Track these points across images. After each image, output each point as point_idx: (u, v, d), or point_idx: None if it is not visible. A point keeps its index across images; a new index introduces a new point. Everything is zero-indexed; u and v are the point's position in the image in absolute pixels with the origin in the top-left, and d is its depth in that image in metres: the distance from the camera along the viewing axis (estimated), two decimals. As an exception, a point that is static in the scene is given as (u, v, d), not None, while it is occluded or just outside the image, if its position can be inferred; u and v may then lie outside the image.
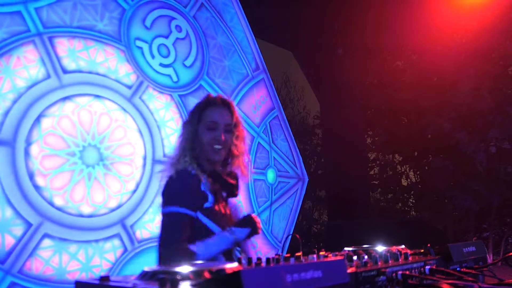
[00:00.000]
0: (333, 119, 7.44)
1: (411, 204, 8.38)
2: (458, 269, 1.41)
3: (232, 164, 2.03)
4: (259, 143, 4.25)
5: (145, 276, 0.95)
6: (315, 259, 1.21)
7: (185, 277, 0.86)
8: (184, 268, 0.93)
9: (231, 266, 0.97)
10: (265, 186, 4.25)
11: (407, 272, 1.11)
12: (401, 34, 6.35)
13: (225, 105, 1.97)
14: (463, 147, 5.77)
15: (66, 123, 2.78)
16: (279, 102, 4.64)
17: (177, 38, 3.57)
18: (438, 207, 6.72)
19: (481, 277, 1.48)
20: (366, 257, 1.17)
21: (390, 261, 1.18)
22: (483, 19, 5.97)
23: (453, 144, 5.97)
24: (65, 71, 2.84)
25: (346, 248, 1.54)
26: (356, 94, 7.47)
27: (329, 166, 8.26)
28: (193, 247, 1.72)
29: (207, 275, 0.90)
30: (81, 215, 2.76)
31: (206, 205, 1.84)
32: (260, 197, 4.15)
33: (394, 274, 1.09)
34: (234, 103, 2.04)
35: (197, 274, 0.90)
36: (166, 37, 3.49)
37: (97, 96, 2.96)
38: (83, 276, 2.67)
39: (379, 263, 1.13)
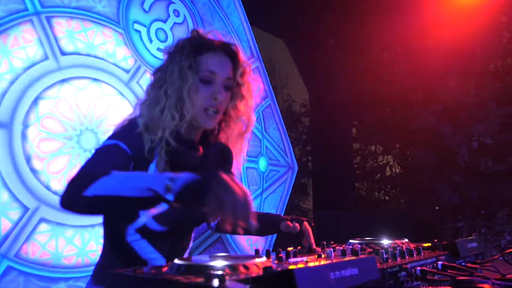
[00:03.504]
0: (321, 108, 7.50)
1: (392, 194, 8.58)
2: (463, 263, 1.47)
3: (221, 134, 1.56)
4: (252, 131, 4.26)
5: (178, 269, 0.95)
6: (332, 254, 1.25)
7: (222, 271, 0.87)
8: (218, 262, 0.95)
9: (260, 260, 0.99)
10: (256, 174, 4.28)
11: (425, 268, 1.16)
12: (392, 28, 6.42)
13: (229, 52, 1.47)
14: (448, 141, 5.92)
15: (63, 106, 2.73)
16: (272, 90, 4.65)
17: (175, 23, 3.52)
18: (420, 199, 6.92)
19: (479, 271, 1.55)
20: (383, 252, 1.21)
21: (406, 257, 1.23)
22: (470, 19, 6.09)
23: (438, 137, 6.13)
24: (63, 53, 2.77)
25: (351, 241, 1.59)
26: (344, 85, 7.54)
27: (316, 154, 8.36)
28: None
29: (242, 270, 0.92)
30: (78, 200, 2.73)
31: None
32: (252, 185, 4.18)
33: (413, 270, 1.13)
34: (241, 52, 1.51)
35: (232, 269, 0.92)
36: (164, 21, 3.44)
37: (95, 80, 2.91)
38: (79, 261, 2.66)
39: (400, 259, 1.18)
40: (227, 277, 0.78)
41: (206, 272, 0.83)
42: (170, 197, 1.06)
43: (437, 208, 6.62)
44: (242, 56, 1.50)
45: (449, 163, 6.25)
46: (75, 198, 1.18)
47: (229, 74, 1.46)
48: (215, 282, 0.77)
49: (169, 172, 1.14)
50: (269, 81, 4.56)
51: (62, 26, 2.80)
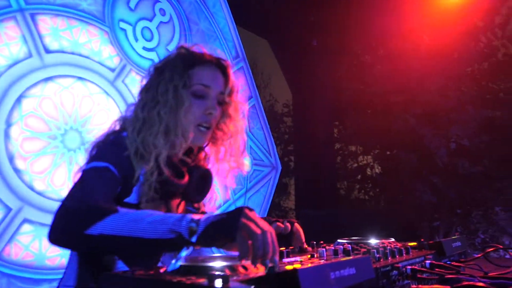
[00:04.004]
0: (304, 108, 7.57)
1: (372, 194, 8.73)
2: (448, 262, 1.52)
3: (205, 154, 1.49)
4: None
5: (178, 270, 0.94)
6: (325, 254, 1.27)
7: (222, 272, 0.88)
8: (217, 263, 0.95)
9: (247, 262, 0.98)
10: (240, 174, 4.29)
11: (415, 267, 1.19)
12: (374, 31, 6.54)
13: (221, 67, 1.42)
14: (427, 142, 6.06)
15: (47, 105, 2.68)
16: (257, 91, 4.67)
17: (161, 22, 3.50)
18: (399, 198, 7.06)
19: (463, 269, 1.60)
20: (375, 251, 1.24)
21: (397, 256, 1.26)
22: (449, 24, 6.25)
23: (417, 138, 6.26)
24: (48, 51, 2.73)
25: (339, 240, 1.61)
26: (327, 86, 7.63)
27: (298, 154, 8.43)
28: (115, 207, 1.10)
29: (242, 270, 0.93)
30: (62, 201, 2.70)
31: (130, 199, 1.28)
32: (236, 184, 4.19)
33: (404, 269, 1.17)
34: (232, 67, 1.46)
35: (232, 269, 0.93)
36: (150, 20, 3.42)
37: (80, 78, 2.88)
38: (63, 262, 2.62)
39: (391, 258, 1.21)
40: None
41: (207, 272, 0.83)
42: (193, 239, 1.00)
43: (417, 205, 6.77)
44: (233, 73, 1.46)
45: (428, 164, 6.40)
46: (75, 236, 1.08)
47: (222, 88, 1.41)
48: (218, 283, 0.78)
49: (189, 214, 1.06)
50: (253, 81, 4.58)
51: (47, 24, 2.76)
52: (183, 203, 1.50)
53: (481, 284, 0.99)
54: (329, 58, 7.50)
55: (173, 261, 0.94)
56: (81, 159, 2.82)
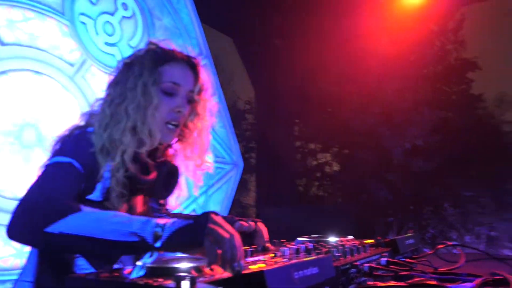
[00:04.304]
0: (266, 106, 7.64)
1: (330, 191, 8.94)
2: (402, 259, 1.60)
3: (171, 149, 1.48)
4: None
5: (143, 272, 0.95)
6: (287, 253, 1.31)
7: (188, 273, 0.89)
8: (183, 264, 0.96)
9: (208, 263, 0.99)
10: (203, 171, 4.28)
11: (372, 264, 1.26)
12: (335, 33, 6.69)
13: (192, 65, 1.42)
14: (384, 141, 6.29)
15: (2, 100, 2.58)
16: (220, 88, 4.67)
17: (123, 17, 3.43)
18: (357, 196, 7.28)
19: (415, 265, 1.69)
20: (335, 250, 1.29)
21: (355, 255, 1.32)
22: (406, 27, 6.51)
23: (375, 138, 6.48)
24: (2, 43, 2.62)
25: (299, 239, 1.66)
26: (289, 84, 7.73)
27: (259, 151, 8.49)
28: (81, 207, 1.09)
29: (207, 271, 0.95)
30: (17, 199, 2.60)
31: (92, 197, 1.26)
32: (202, 182, 4.18)
33: (362, 266, 1.23)
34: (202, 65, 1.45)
35: (198, 270, 0.94)
36: (112, 14, 3.34)
37: (37, 72, 2.78)
38: (17, 263, 2.54)
39: (350, 256, 1.27)
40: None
41: (173, 274, 0.83)
42: (158, 244, 1.00)
43: (372, 204, 7.02)
44: (203, 71, 1.46)
45: (385, 163, 6.64)
46: (34, 233, 1.06)
47: (192, 87, 1.40)
48: (185, 285, 0.79)
49: (155, 218, 1.04)
50: (217, 78, 4.58)
51: (2, 15, 2.64)
52: (147, 200, 1.49)
53: (432, 282, 1.06)
54: (291, 58, 7.60)
55: (138, 267, 0.93)
56: (38, 156, 2.73)
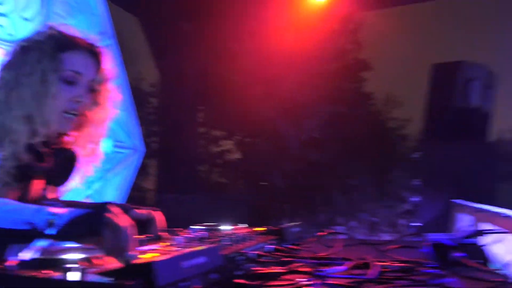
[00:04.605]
0: (171, 90, 7.53)
1: (231, 179, 9.15)
2: (287, 246, 1.75)
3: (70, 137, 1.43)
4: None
5: (29, 264, 0.92)
6: (181, 241, 1.37)
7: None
8: (72, 255, 0.96)
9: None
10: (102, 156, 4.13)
11: (258, 252, 1.37)
12: (243, 23, 6.81)
13: (94, 53, 1.37)
14: (283, 132, 6.61)
15: None
16: (124, 68, 4.50)
17: (16, -11, 3.14)
18: (256, 184, 7.58)
19: (298, 251, 1.87)
20: (226, 238, 1.38)
21: (244, 243, 1.43)
22: (310, 26, 6.87)
23: (275, 128, 6.78)
24: None
25: (192, 227, 1.73)
26: (195, 70, 7.69)
27: (161, 135, 8.36)
28: None
29: (98, 262, 0.96)
30: None
31: None
32: (94, 171, 4.02)
33: (248, 254, 1.33)
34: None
35: (88, 261, 0.95)
36: (1, -16, 3.05)
37: None
38: None
39: (239, 244, 1.37)
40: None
41: (62, 265, 0.84)
42: (52, 231, 1.00)
43: (269, 192, 7.35)
44: (106, 59, 1.42)
45: (283, 153, 6.99)
46: None
47: (94, 76, 1.36)
48: (74, 276, 0.81)
49: (48, 207, 1.04)
50: (121, 59, 4.41)
51: None
52: (41, 187, 1.42)
53: (306, 269, 1.20)
54: (199, 44, 7.57)
55: (25, 254, 0.92)
56: None
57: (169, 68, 7.85)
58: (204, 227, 1.68)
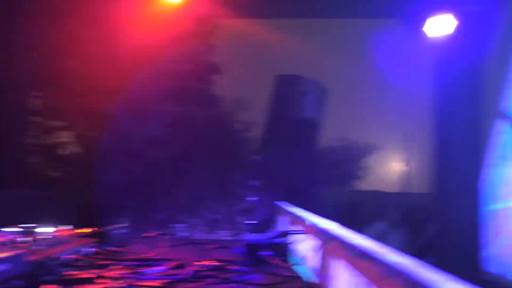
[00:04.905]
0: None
1: (66, 173, 8.44)
2: (111, 248, 1.75)
3: None
4: None
5: None
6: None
7: None
8: None
9: None
10: None
11: (74, 256, 1.36)
12: (93, 15, 6.42)
13: None
14: (126, 129, 6.42)
15: None
16: None
17: None
18: (90, 181, 7.17)
19: (122, 254, 1.88)
20: (41, 243, 1.33)
21: (63, 246, 1.40)
22: (166, 26, 6.83)
23: (118, 124, 6.54)
24: None
25: (3, 229, 1.59)
26: (31, 51, 6.92)
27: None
28: None
29: None
30: None
31: None
32: None
33: (64, 257, 1.32)
34: None
35: None
36: None
37: None
38: None
39: (55, 248, 1.33)
40: None
41: None
42: None
43: (104, 189, 7.06)
44: None
45: (125, 150, 6.79)
46: None
47: None
48: None
49: None
50: None
51: None
52: None
53: (125, 271, 1.24)
54: (41, 22, 6.84)
55: None
56: None
57: (2, 45, 6.90)
58: (18, 229, 1.58)
